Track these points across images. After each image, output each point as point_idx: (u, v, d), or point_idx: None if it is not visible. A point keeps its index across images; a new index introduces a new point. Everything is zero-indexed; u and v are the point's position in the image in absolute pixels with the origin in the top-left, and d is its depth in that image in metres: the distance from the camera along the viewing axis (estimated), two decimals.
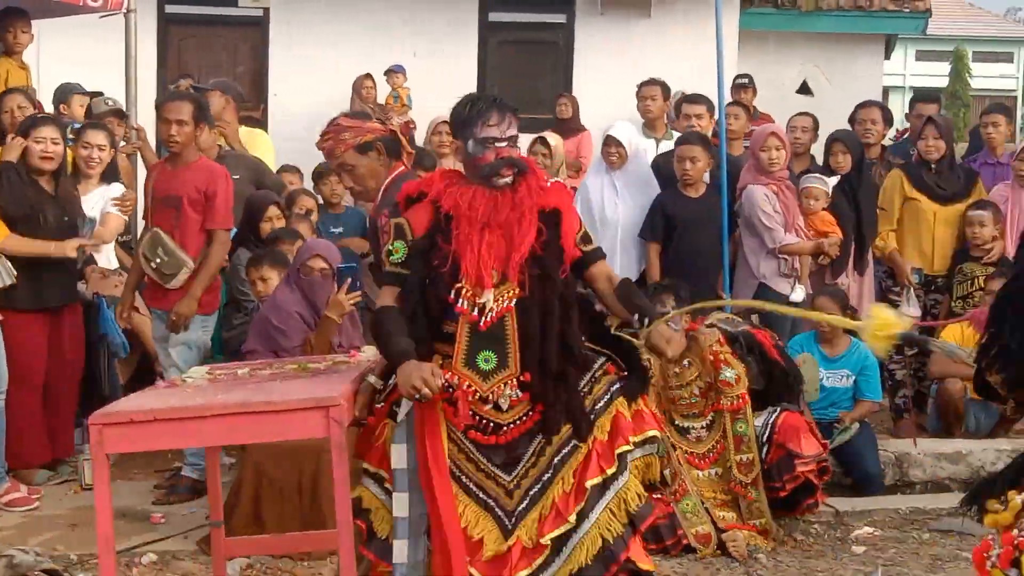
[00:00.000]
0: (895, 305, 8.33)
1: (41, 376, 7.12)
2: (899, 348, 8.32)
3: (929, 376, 8.21)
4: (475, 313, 4.40)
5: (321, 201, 8.78)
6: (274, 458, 6.06)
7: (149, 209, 7.04)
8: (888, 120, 9.35)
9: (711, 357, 6.53)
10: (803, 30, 14.88)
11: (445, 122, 9.44)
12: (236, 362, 5.73)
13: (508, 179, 4.44)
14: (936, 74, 42.84)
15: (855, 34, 15.07)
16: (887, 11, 15.09)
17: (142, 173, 8.33)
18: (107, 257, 7.93)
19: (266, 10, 13.55)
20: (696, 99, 9.11)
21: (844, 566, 6.26)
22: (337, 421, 4.32)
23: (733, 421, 6.50)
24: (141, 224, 7.72)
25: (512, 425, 4.45)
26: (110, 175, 8.05)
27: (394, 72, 12.37)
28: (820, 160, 8.89)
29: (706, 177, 8.04)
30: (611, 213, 8.05)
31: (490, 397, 4.42)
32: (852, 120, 9.11)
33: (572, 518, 4.35)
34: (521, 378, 4.43)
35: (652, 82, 9.49)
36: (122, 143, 8.68)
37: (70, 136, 7.61)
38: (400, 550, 4.44)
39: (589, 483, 4.39)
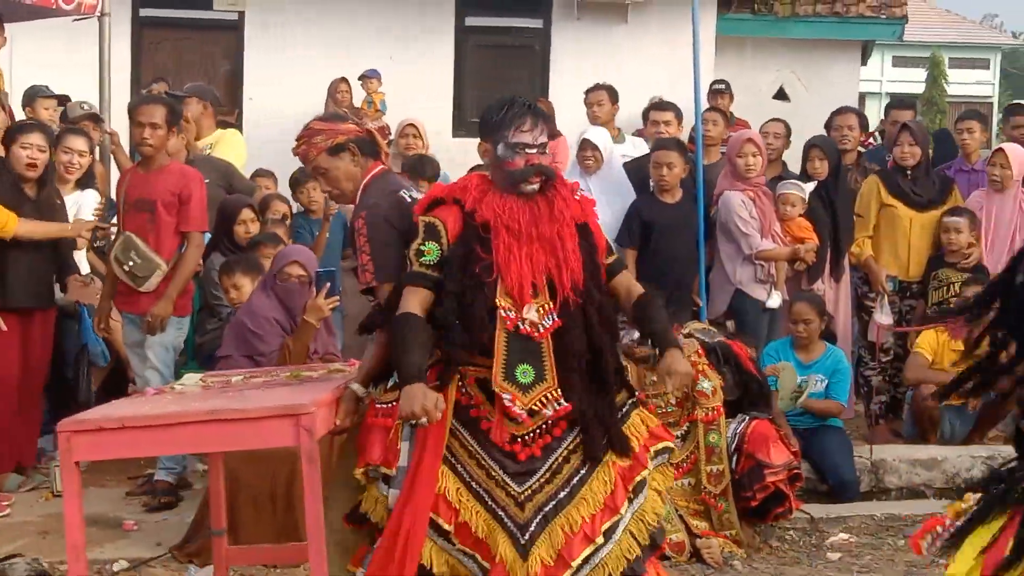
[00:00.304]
0: (870, 311, 8.39)
1: (12, 380, 7.09)
2: (874, 352, 8.38)
3: (904, 382, 8.23)
4: (525, 327, 4.38)
5: (301, 208, 8.78)
6: (248, 465, 6.04)
7: (121, 213, 7.03)
8: (864, 126, 9.41)
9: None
10: (780, 36, 14.91)
11: (412, 124, 9.52)
12: (234, 370, 5.73)
13: (535, 186, 4.43)
14: (912, 80, 43.03)
15: (832, 40, 15.11)
16: (864, 17, 15.13)
17: (116, 177, 8.31)
18: (79, 263, 7.90)
19: (241, 13, 13.51)
20: (664, 106, 9.15)
21: (819, 573, 6.28)
22: (307, 430, 4.29)
23: (706, 432, 6.51)
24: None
25: (534, 436, 4.43)
26: (86, 181, 8.03)
27: (368, 77, 12.32)
28: (792, 166, 8.94)
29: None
30: None
31: (534, 409, 4.39)
32: (828, 126, 9.16)
33: (600, 539, 4.34)
34: (558, 391, 4.40)
35: (598, 87, 9.51)
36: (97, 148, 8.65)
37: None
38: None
39: (624, 508, 4.40)
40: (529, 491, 4.41)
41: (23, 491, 7.18)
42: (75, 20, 9.23)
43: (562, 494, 4.39)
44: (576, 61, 13.12)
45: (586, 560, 4.33)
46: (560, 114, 11.54)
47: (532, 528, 4.37)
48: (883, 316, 8.29)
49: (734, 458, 6.52)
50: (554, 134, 11.14)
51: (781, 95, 14.52)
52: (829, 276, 8.29)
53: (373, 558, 4.46)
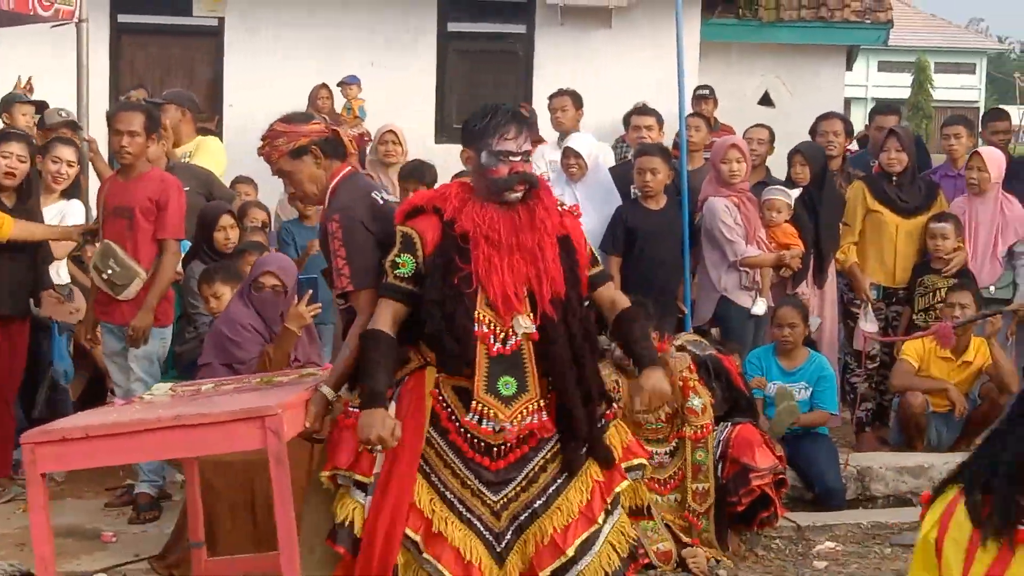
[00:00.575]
0: (856, 318, 8.40)
1: None
2: (860, 360, 8.38)
3: (891, 390, 8.24)
4: (493, 342, 4.36)
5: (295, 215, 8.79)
6: (226, 475, 6.00)
7: (101, 221, 7.01)
8: (850, 132, 9.41)
9: (680, 383, 6.47)
10: (765, 41, 14.95)
11: (391, 131, 9.49)
12: (210, 379, 5.70)
13: (519, 194, 4.40)
14: (898, 85, 43.21)
15: (817, 45, 15.15)
16: (849, 22, 15.17)
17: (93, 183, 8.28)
18: (58, 272, 7.87)
19: (221, 19, 13.49)
20: (646, 111, 9.16)
21: None
22: (274, 431, 4.26)
23: (694, 449, 6.48)
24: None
25: (508, 447, 4.42)
26: (71, 191, 8.01)
27: (347, 84, 12.29)
28: (777, 172, 8.94)
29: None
30: None
31: (514, 423, 4.38)
32: (813, 132, 9.16)
33: (570, 551, 4.33)
34: (540, 403, 4.41)
35: (561, 92, 9.48)
36: None
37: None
38: None
39: (600, 518, 4.40)
40: (505, 499, 4.41)
41: (0, 503, 7.14)
42: (53, 26, 9.19)
43: (538, 503, 4.40)
44: (559, 67, 13.10)
45: (561, 572, 4.33)
46: (543, 119, 11.56)
47: (508, 536, 4.39)
48: (867, 324, 8.30)
49: (719, 465, 6.50)
50: (537, 140, 11.19)
51: (766, 100, 14.55)
52: (812, 282, 8.30)
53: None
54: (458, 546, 4.38)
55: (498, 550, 4.39)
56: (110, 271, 6.81)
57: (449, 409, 4.45)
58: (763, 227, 8.08)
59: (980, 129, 9.40)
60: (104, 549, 6.50)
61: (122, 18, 13.41)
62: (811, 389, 7.48)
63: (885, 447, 8.15)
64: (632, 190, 8.18)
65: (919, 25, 45.49)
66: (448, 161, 10.06)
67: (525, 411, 4.40)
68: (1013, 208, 8.34)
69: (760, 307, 8.03)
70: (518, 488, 4.42)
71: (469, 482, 4.42)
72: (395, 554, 4.36)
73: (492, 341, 4.36)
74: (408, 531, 4.37)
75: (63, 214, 7.77)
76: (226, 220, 7.69)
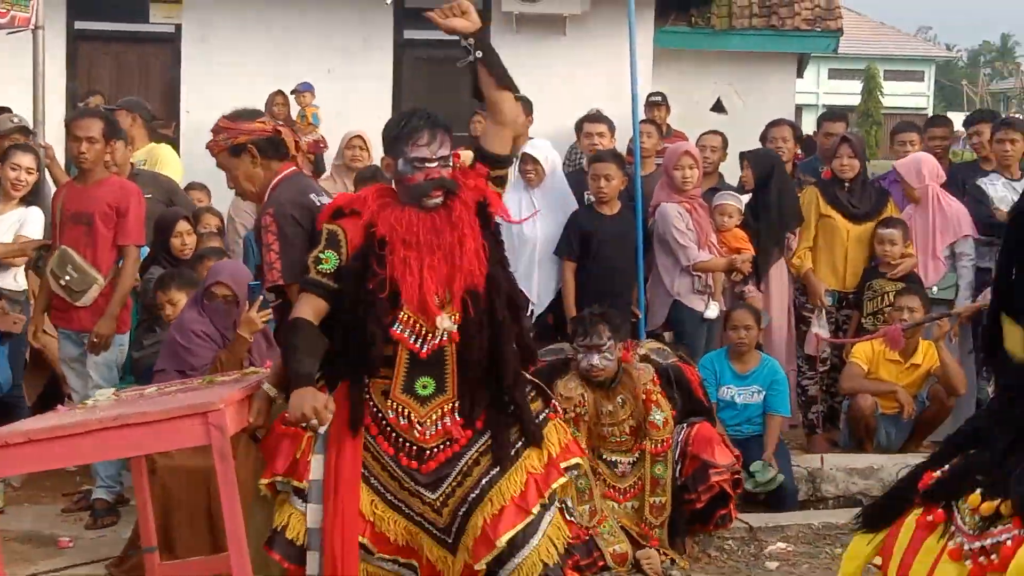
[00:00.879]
0: (808, 322, 8.44)
1: None
2: (811, 363, 8.44)
3: (840, 392, 8.29)
4: (413, 341, 4.35)
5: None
6: (182, 482, 5.98)
7: (58, 227, 6.96)
8: (799, 138, 9.48)
9: (643, 396, 6.48)
10: (717, 49, 14.98)
11: (359, 136, 9.47)
12: (154, 384, 5.68)
13: (438, 200, 4.38)
14: (848, 92, 43.45)
15: (768, 53, 15.20)
16: (799, 30, 15.23)
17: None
18: (15, 278, 7.81)
19: (178, 26, 13.42)
20: (597, 118, 9.17)
21: None
22: (217, 427, 4.25)
23: (653, 463, 6.48)
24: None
25: (435, 451, 4.42)
26: (31, 198, 7.96)
27: (300, 91, 12.25)
28: (730, 178, 8.99)
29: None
30: (528, 230, 8.00)
31: (427, 423, 4.38)
32: (763, 138, 9.22)
33: (501, 542, 4.31)
34: (455, 403, 4.40)
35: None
36: None
37: None
38: (312, 561, 4.41)
39: (535, 509, 4.37)
40: (443, 496, 4.42)
41: None
42: (9, 33, 9.14)
43: (471, 496, 4.39)
44: (515, 74, 13.01)
45: (493, 568, 4.33)
46: None
47: (454, 529, 4.41)
48: (820, 329, 8.35)
49: (679, 464, 6.53)
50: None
51: (718, 107, 14.59)
52: (756, 284, 8.36)
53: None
54: (401, 543, 4.41)
55: (449, 542, 4.41)
56: (68, 277, 6.78)
57: (379, 413, 4.45)
58: (714, 232, 8.13)
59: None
60: (61, 554, 6.46)
61: (79, 24, 13.33)
62: (764, 393, 7.52)
63: (836, 449, 8.20)
64: (586, 196, 8.20)
65: (869, 33, 45.78)
66: None
67: (440, 411, 4.40)
68: (952, 208, 8.41)
69: (713, 311, 8.08)
70: (454, 484, 4.42)
71: (405, 483, 4.44)
72: (355, 559, 4.36)
73: (414, 341, 4.35)
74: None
75: (22, 220, 7.71)
76: (183, 226, 7.66)
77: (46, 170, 8.65)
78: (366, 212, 4.42)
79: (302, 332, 4.33)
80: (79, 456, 4.91)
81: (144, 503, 5.29)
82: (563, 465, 4.53)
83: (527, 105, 9.51)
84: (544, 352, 6.20)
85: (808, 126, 17.35)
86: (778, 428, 7.54)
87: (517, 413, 4.44)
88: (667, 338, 7.88)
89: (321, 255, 4.40)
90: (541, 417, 4.55)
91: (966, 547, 3.14)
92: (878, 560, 3.43)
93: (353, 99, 12.67)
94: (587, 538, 6.17)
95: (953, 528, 3.21)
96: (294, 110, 12.24)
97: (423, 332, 4.36)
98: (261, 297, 6.23)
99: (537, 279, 7.96)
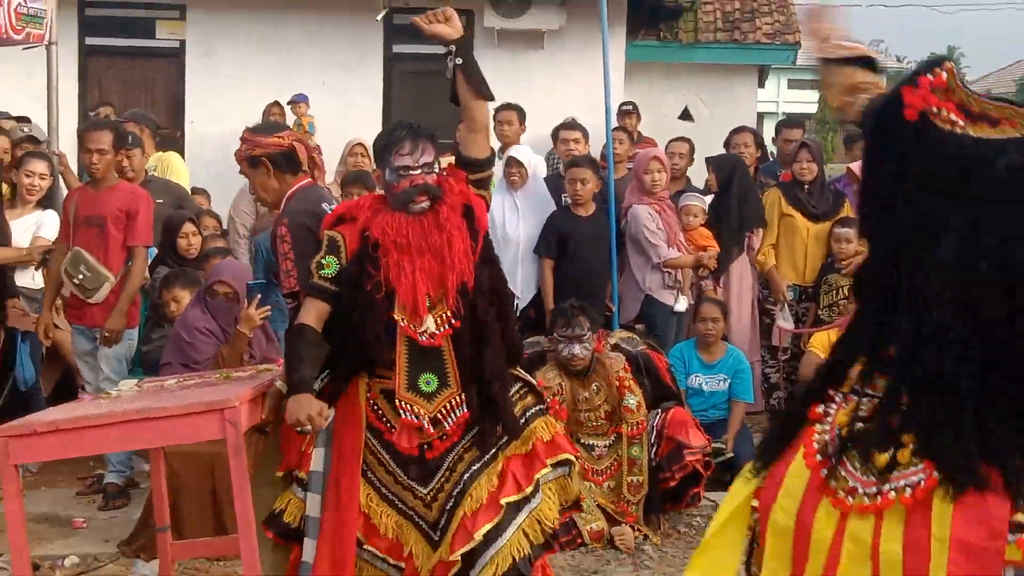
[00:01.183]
0: (771, 315, 8.48)
1: None
2: (773, 353, 8.47)
3: (800, 379, 8.31)
4: (424, 338, 4.29)
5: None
6: (190, 466, 5.98)
7: (70, 229, 6.95)
8: (760, 144, 9.52)
9: (616, 383, 6.49)
10: (684, 61, 15.02)
11: (360, 143, 9.45)
12: (174, 376, 5.66)
13: (424, 204, 4.33)
14: (806, 101, 43.45)
15: (731, 65, 15.25)
16: (760, 44, 15.29)
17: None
18: (33, 278, 7.80)
19: (182, 42, 13.44)
20: (573, 126, 9.21)
21: None
22: (232, 423, 4.23)
23: (630, 445, 6.49)
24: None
25: (432, 444, 4.39)
26: (46, 201, 7.95)
27: (296, 102, 12.24)
28: (696, 181, 9.02)
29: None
30: (512, 231, 8.04)
31: (438, 417, 4.35)
32: (727, 144, 9.25)
33: (478, 535, 4.27)
34: (461, 396, 4.35)
35: (508, 107, 9.39)
36: None
37: None
38: (310, 548, 4.40)
39: (504, 500, 4.31)
40: (434, 491, 4.38)
41: None
42: (24, 48, 9.12)
43: (455, 491, 4.36)
44: (496, 85, 12.84)
45: (469, 558, 4.28)
46: None
47: (441, 525, 4.37)
48: (784, 322, 8.41)
49: (655, 445, 6.55)
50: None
51: (686, 115, 14.62)
52: (716, 280, 8.41)
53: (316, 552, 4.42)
54: (391, 536, 4.39)
55: (435, 539, 4.37)
56: (81, 276, 6.78)
57: (380, 411, 4.43)
58: (682, 231, 8.15)
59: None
60: (76, 535, 6.45)
61: (90, 41, 13.32)
62: (729, 381, 7.54)
63: None
64: (563, 198, 8.21)
65: None
66: None
67: (449, 405, 4.36)
68: None
69: (682, 304, 8.10)
70: (443, 479, 4.38)
71: (400, 478, 4.41)
72: (352, 547, 4.35)
73: (414, 336, 4.30)
74: None
75: (39, 223, 7.70)
76: (188, 228, 7.67)
77: (59, 176, 8.65)
78: (361, 218, 4.39)
79: (304, 340, 4.31)
80: (103, 445, 4.89)
81: (160, 486, 5.28)
82: (551, 461, 4.45)
83: (520, 114, 9.51)
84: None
85: (769, 133, 17.37)
86: (742, 413, 7.56)
87: (495, 407, 4.37)
88: (639, 330, 7.89)
89: (323, 260, 4.37)
90: (531, 412, 4.50)
91: (861, 490, 2.92)
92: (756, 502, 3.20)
93: (346, 109, 12.68)
94: (567, 519, 6.19)
95: (844, 475, 2.97)
96: (290, 119, 12.22)
97: (415, 331, 4.32)
98: (259, 295, 6.23)
99: (521, 276, 7.97)
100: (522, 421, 4.46)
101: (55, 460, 7.08)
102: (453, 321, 4.31)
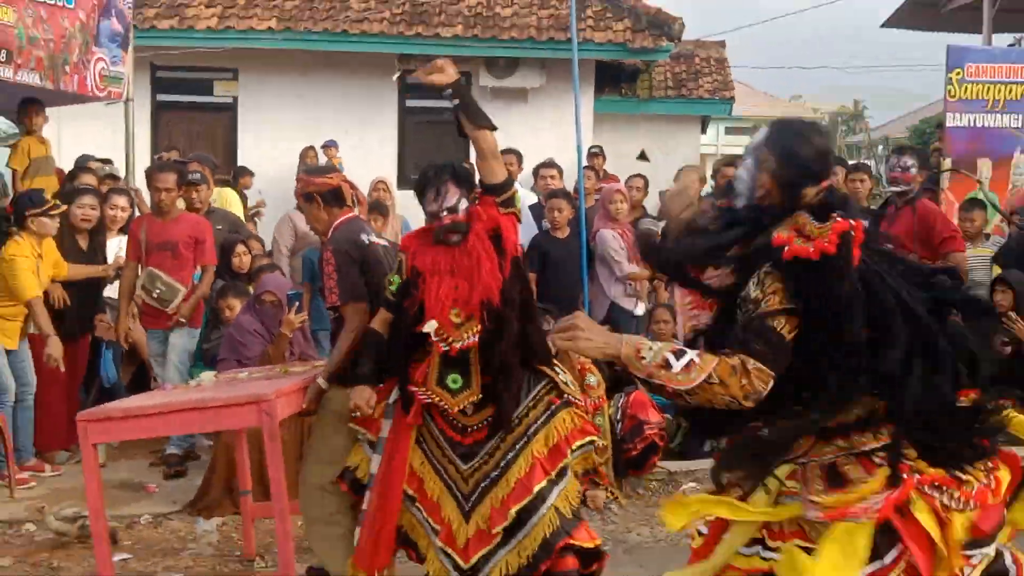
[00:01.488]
0: None
1: (62, 383, 7.02)
2: None
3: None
4: (440, 344, 4.26)
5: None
6: (241, 442, 5.96)
7: (142, 251, 6.93)
8: (703, 179, 9.51)
9: (579, 366, 6.47)
10: (641, 112, 15.06)
11: (382, 181, 9.43)
12: (246, 369, 5.66)
13: (455, 239, 4.29)
14: (741, 145, 43.54)
15: (679, 115, 15.28)
16: (703, 99, 15.33)
17: None
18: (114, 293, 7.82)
19: (235, 98, 13.46)
20: (550, 164, 9.23)
21: None
22: (267, 413, 4.26)
23: (593, 416, 6.48)
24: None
25: (475, 428, 4.35)
26: (127, 228, 7.95)
27: (328, 146, 12.29)
28: (651, 209, 9.02)
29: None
30: None
31: (468, 410, 4.33)
32: (676, 179, 9.22)
33: (512, 513, 4.22)
34: (478, 398, 4.30)
35: (509, 151, 9.43)
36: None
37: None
38: (368, 497, 4.43)
39: (536, 487, 4.25)
40: (471, 469, 4.34)
41: (70, 463, 7.05)
42: (107, 104, 9.12)
43: (494, 474, 4.30)
44: None
45: (508, 532, 4.22)
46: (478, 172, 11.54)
47: (472, 498, 4.32)
48: None
49: (619, 422, 6.55)
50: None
51: (643, 157, 14.64)
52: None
53: (364, 520, 4.40)
54: (433, 500, 4.36)
55: (466, 508, 4.33)
56: (158, 291, 6.84)
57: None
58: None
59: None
60: (149, 498, 6.46)
61: (160, 97, 13.35)
62: None
63: None
64: (543, 223, 8.22)
65: (755, 100, 45.85)
66: (406, 200, 10.06)
67: (472, 403, 4.31)
68: None
69: (640, 309, 8.11)
70: (481, 461, 4.33)
71: (447, 452, 4.38)
72: (398, 502, 4.35)
73: (441, 344, 4.27)
74: (405, 487, 4.37)
75: (121, 246, 7.71)
76: (240, 248, 7.68)
77: (136, 207, 8.66)
78: (411, 248, 4.39)
79: (371, 343, 4.44)
80: (164, 429, 4.92)
81: (243, 457, 5.28)
82: (576, 444, 4.37)
83: (519, 157, 9.55)
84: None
85: (710, 170, 17.39)
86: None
87: (499, 403, 4.30)
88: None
89: (391, 278, 4.44)
90: (555, 407, 4.38)
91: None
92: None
93: (367, 155, 12.70)
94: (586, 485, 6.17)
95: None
96: (322, 160, 12.23)
97: (447, 338, 4.26)
98: (297, 304, 6.22)
99: None
100: (547, 415, 4.37)
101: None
102: (478, 332, 4.24)
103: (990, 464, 2.79)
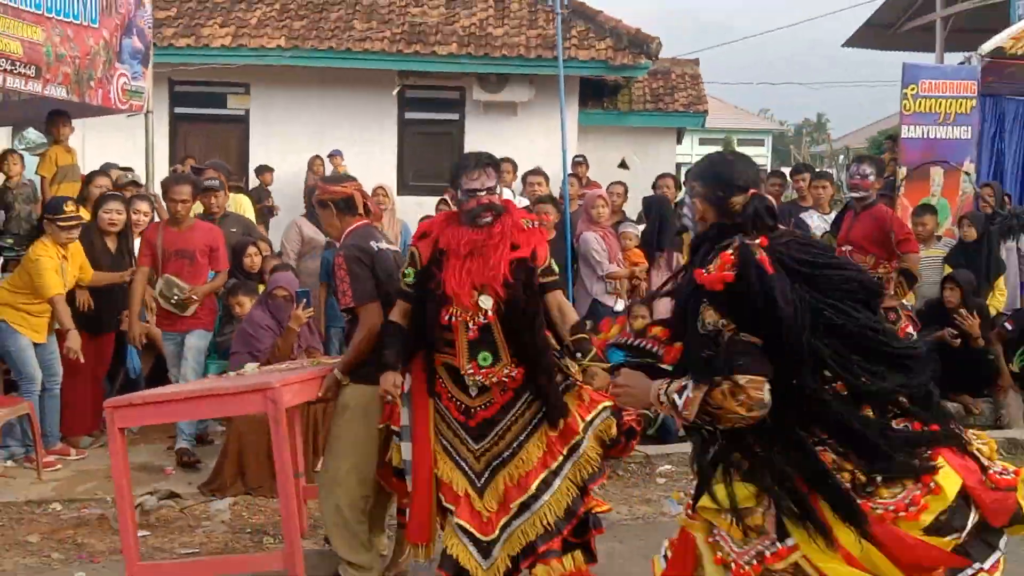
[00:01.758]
0: None
1: (88, 374, 7.00)
2: None
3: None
4: (463, 325, 4.16)
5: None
6: (252, 429, 5.95)
7: (158, 258, 6.87)
8: (678, 185, 9.52)
9: None
10: (622, 124, 15.07)
11: (382, 187, 9.41)
12: (283, 362, 5.63)
13: (488, 219, 4.19)
14: None
15: (657, 127, 15.29)
16: (678, 112, 15.35)
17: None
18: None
19: (247, 110, 13.45)
20: (537, 172, 9.18)
21: (651, 491, 6.36)
22: (272, 400, 4.24)
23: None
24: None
25: (477, 410, 4.26)
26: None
27: (333, 155, 12.29)
28: (631, 214, 9.02)
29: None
30: None
31: (489, 385, 4.22)
32: (654, 187, 9.25)
33: (533, 487, 4.16)
34: (512, 368, 4.20)
35: (506, 160, 9.46)
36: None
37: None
38: (408, 482, 4.38)
39: (555, 465, 4.19)
40: (482, 449, 4.26)
41: (95, 447, 7.03)
42: (128, 116, 9.10)
43: (506, 453, 4.23)
44: (482, 143, 12.98)
45: (524, 505, 4.18)
46: None
47: (484, 476, 4.25)
48: None
49: None
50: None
51: (623, 165, 14.63)
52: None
53: (412, 500, 4.35)
54: (447, 479, 4.30)
55: (478, 485, 4.26)
56: (175, 297, 6.78)
57: (441, 380, 4.32)
58: (620, 251, 8.16)
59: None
60: (166, 479, 6.42)
61: (178, 110, 13.34)
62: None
63: None
64: None
65: (726, 113, 45.93)
66: (405, 205, 10.09)
67: (502, 372, 4.21)
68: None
69: (619, 306, 8.09)
70: (491, 442, 4.25)
71: (458, 432, 4.30)
72: (430, 478, 4.28)
73: (464, 325, 4.18)
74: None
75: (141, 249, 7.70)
76: (251, 250, 7.65)
77: (155, 213, 8.63)
78: (434, 232, 4.30)
79: (390, 332, 4.35)
80: (181, 415, 4.92)
81: (280, 444, 5.23)
82: (590, 416, 4.29)
83: (514, 165, 9.59)
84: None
85: (683, 178, 17.43)
86: None
87: (543, 393, 4.21)
88: (587, 325, 7.87)
89: (405, 271, 4.35)
90: (563, 386, 4.29)
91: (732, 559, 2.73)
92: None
93: (369, 161, 12.68)
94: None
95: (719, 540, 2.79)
96: (327, 170, 12.23)
97: (469, 317, 4.18)
98: (304, 300, 6.20)
99: None
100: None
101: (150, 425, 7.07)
102: (488, 315, 4.16)
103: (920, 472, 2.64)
